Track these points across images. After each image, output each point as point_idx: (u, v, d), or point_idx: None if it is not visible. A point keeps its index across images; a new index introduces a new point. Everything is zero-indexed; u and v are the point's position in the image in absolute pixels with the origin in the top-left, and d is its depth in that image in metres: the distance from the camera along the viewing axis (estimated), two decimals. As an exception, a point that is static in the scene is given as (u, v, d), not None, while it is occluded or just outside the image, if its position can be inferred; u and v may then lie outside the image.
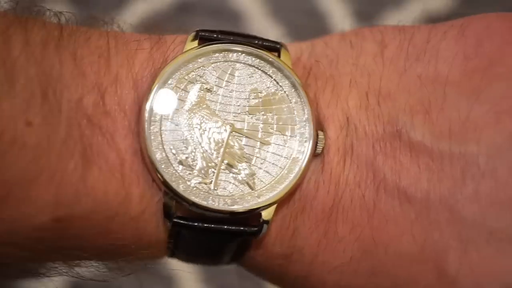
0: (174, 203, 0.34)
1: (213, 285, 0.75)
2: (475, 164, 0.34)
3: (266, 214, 0.35)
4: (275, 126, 0.36)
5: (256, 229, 0.35)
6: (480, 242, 0.34)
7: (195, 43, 0.36)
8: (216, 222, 0.35)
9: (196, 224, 0.34)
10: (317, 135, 0.36)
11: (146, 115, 0.34)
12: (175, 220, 0.34)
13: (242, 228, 0.35)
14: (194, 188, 0.34)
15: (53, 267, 0.37)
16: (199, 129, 0.35)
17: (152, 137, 0.34)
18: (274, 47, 0.37)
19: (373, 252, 0.35)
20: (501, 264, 0.34)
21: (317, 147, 0.35)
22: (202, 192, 0.34)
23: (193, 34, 0.36)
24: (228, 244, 0.36)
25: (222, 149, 0.35)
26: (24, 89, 0.32)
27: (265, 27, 0.86)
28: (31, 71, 0.33)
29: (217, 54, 0.36)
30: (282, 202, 0.35)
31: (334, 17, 0.88)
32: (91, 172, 0.33)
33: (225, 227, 0.35)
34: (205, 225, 0.35)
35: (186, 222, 0.34)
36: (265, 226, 0.35)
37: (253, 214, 0.35)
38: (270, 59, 0.36)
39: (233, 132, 0.35)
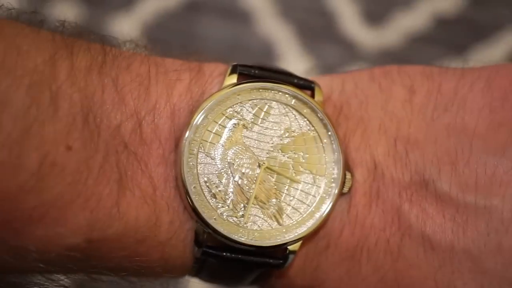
0: (204, 232, 0.36)
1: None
2: (499, 219, 0.35)
3: (292, 246, 0.36)
4: (305, 165, 0.37)
5: (281, 261, 0.36)
6: None
7: (234, 77, 0.37)
8: (243, 253, 0.36)
9: (224, 254, 0.36)
10: (345, 175, 0.37)
11: (185, 148, 0.35)
12: (205, 249, 0.36)
13: (267, 260, 0.36)
14: (225, 221, 0.36)
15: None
16: (233, 164, 0.36)
17: (188, 170, 0.35)
18: (308, 86, 0.38)
19: None
20: None
21: (344, 186, 0.37)
22: (232, 225, 0.36)
23: (231, 68, 0.37)
24: (252, 273, 0.37)
25: (254, 185, 0.36)
26: (67, 114, 0.33)
27: (274, 26, 0.86)
28: (74, 96, 0.33)
29: (254, 91, 0.37)
30: (307, 238, 0.36)
31: (342, 16, 0.88)
32: (125, 197, 0.34)
33: (252, 258, 0.36)
34: (233, 255, 0.36)
35: (215, 252, 0.36)
36: (290, 257, 0.36)
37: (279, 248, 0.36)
38: (305, 100, 0.37)
39: (265, 169, 0.36)
